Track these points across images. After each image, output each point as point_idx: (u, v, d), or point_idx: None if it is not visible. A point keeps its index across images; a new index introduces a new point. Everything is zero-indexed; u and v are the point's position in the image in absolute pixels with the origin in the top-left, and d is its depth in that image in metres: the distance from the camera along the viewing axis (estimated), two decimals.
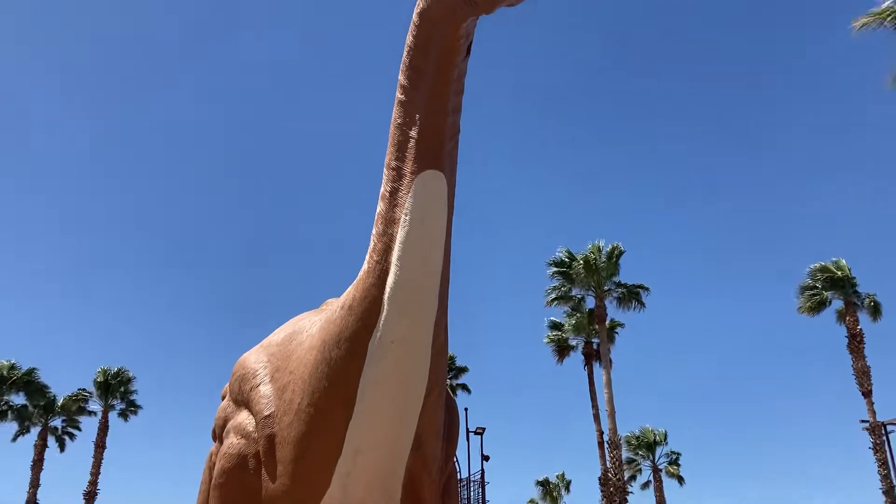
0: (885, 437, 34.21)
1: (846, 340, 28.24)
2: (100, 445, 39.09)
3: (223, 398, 23.04)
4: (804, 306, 29.54)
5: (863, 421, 28.64)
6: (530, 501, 34.84)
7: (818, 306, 29.29)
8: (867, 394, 27.47)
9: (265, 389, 19.38)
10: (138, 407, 40.82)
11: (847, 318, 28.45)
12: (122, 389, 40.26)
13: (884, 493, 26.49)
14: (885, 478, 26.85)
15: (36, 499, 37.11)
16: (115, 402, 40.25)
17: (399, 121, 14.47)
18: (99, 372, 40.20)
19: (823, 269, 29.30)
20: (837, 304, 29.10)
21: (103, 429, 39.46)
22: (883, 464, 27.10)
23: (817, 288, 29.34)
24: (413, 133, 14.82)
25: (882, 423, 31.27)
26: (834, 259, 29.58)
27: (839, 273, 28.91)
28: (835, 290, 29.02)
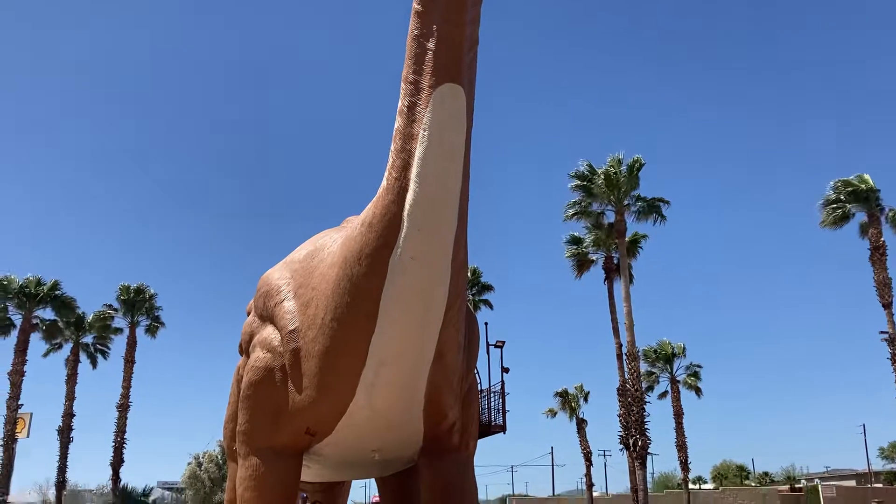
0: None
1: (868, 253, 28.09)
2: (129, 360, 40.34)
3: (248, 314, 23.56)
4: (826, 220, 29.28)
5: (882, 332, 28.77)
6: (549, 410, 35.67)
7: (841, 220, 29.02)
8: (887, 305, 27.50)
9: (289, 305, 19.86)
10: (162, 323, 41.84)
11: (870, 231, 28.18)
12: (146, 306, 41.14)
13: None
14: None
15: (72, 411, 38.61)
16: (140, 319, 41.24)
17: (416, 32, 14.26)
18: (121, 289, 41.03)
19: (847, 184, 28.91)
20: (860, 217, 28.82)
21: (131, 344, 40.64)
22: None
23: (840, 201, 28.97)
24: (430, 45, 14.60)
25: None
26: (857, 174, 29.16)
27: (862, 186, 28.48)
28: (858, 203, 28.70)
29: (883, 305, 27.66)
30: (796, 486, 75.56)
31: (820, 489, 56.84)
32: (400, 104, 15.82)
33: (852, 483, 77.44)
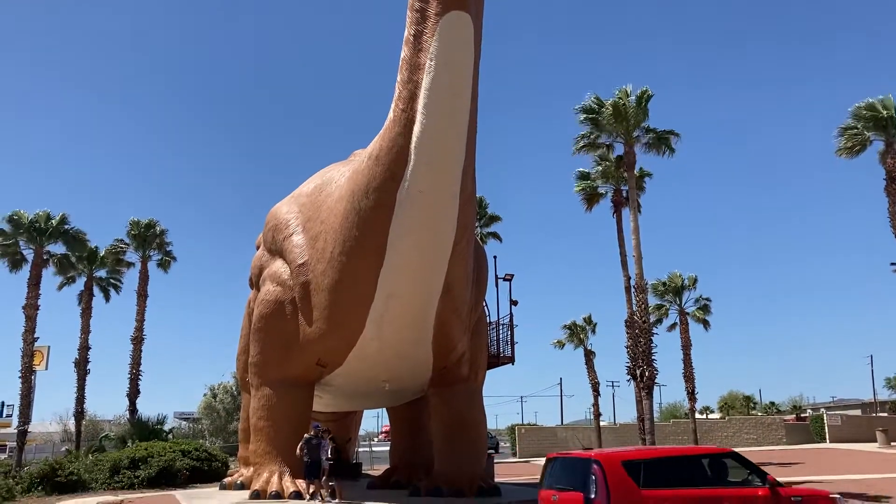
0: None
1: (884, 183, 27.68)
2: (142, 294, 40.66)
3: (258, 248, 23.56)
4: (843, 147, 28.54)
5: (893, 264, 28.63)
6: (557, 342, 36.02)
7: (858, 147, 28.33)
8: None
9: (298, 239, 19.85)
10: (174, 258, 42.03)
11: (887, 160, 27.63)
12: (157, 241, 41.29)
13: None
14: None
15: (88, 344, 39.23)
16: (151, 253, 41.44)
17: None
18: (131, 224, 41.10)
19: (869, 107, 27.89)
20: (878, 145, 28.19)
21: (143, 278, 40.87)
22: None
23: (858, 128, 28.27)
24: None
25: None
26: (881, 97, 28.16)
27: (884, 112, 27.68)
28: (877, 130, 27.94)
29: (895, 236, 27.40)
30: (802, 415, 76.66)
31: (825, 418, 57.60)
32: (406, 33, 15.54)
33: (858, 412, 78.56)
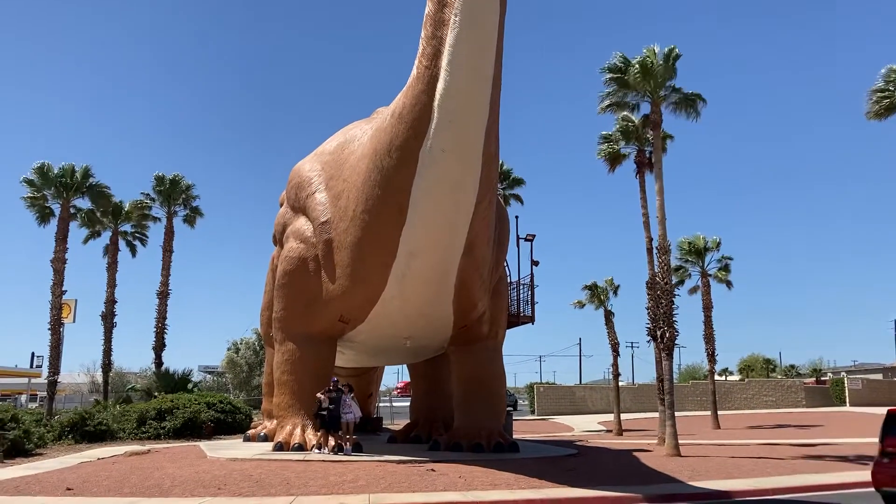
0: None
1: None
2: (167, 250, 41.11)
3: (281, 205, 23.74)
4: (872, 110, 27.97)
5: None
6: (577, 302, 36.02)
7: (888, 110, 27.74)
8: None
9: (321, 197, 19.93)
10: (201, 213, 42.34)
11: None
12: (182, 196, 41.60)
13: None
14: None
15: (114, 298, 39.87)
16: (177, 209, 41.79)
17: None
18: (156, 179, 41.35)
19: None
20: None
21: (169, 234, 41.29)
22: None
23: (889, 91, 27.66)
24: None
25: None
26: None
27: None
28: None
29: None
30: (822, 378, 76.50)
31: (846, 381, 57.55)
32: None
33: (879, 377, 78.34)
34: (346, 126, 21.20)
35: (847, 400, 54.77)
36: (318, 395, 17.78)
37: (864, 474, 16.60)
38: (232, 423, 27.23)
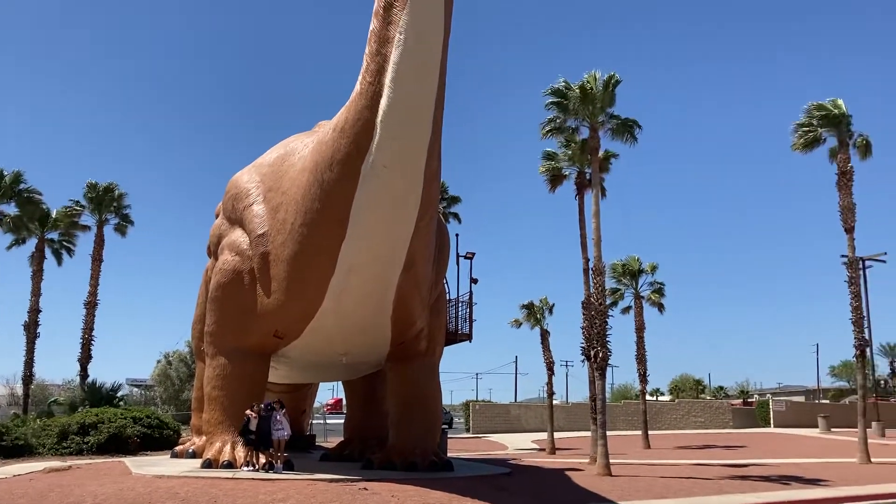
0: (861, 272, 35.42)
1: (835, 178, 28.44)
2: (96, 258, 39.86)
3: (217, 216, 23.30)
4: (798, 143, 29.40)
5: (843, 256, 29.41)
6: (514, 321, 36.33)
7: (812, 143, 29.13)
8: (850, 230, 27.96)
9: (258, 209, 19.64)
10: (132, 222, 41.25)
11: (839, 156, 28.44)
12: (114, 204, 40.47)
13: (854, 323, 27.72)
14: (857, 309, 27.98)
15: (38, 307, 38.40)
16: (108, 217, 40.61)
17: None
18: (88, 186, 40.18)
19: (820, 107, 28.93)
20: (831, 142, 29.00)
21: (99, 242, 40.06)
22: (856, 296, 28.14)
23: (812, 125, 29.08)
24: None
25: (861, 258, 32.21)
26: (831, 98, 29.18)
27: (835, 111, 28.56)
28: (829, 127, 28.80)
29: (845, 230, 28.13)
30: (748, 400, 78.70)
31: (771, 403, 59.29)
32: (376, 5, 15.34)
33: (802, 399, 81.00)
34: (286, 138, 21.00)
35: (772, 421, 56.41)
36: (247, 412, 17.42)
37: (787, 493, 17.18)
38: (159, 439, 26.42)
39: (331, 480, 15.89)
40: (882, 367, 75.15)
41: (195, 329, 23.78)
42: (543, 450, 33.97)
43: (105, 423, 24.90)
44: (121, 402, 34.73)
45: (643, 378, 40.24)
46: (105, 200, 40.46)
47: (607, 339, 22.90)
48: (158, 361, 58.38)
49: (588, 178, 26.22)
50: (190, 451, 19.98)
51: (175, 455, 20.51)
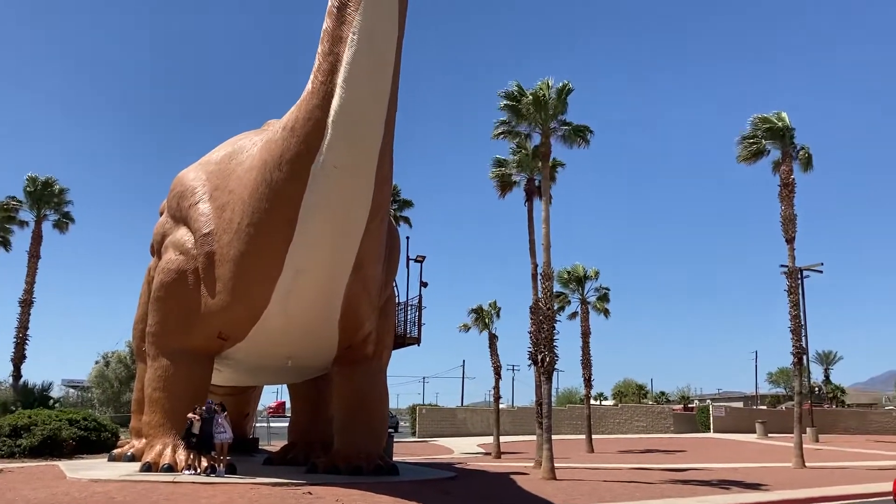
0: (800, 281, 36.44)
1: (778, 189, 29.21)
2: (34, 255, 38.63)
3: (161, 214, 22.80)
4: (742, 155, 30.14)
5: (782, 266, 30.19)
6: (463, 325, 36.39)
7: (756, 155, 29.91)
8: (790, 240, 28.74)
9: (204, 207, 19.28)
10: (72, 219, 40.11)
11: (782, 168, 29.25)
12: (54, 200, 39.32)
13: (792, 331, 28.45)
14: (795, 318, 28.73)
15: None
16: (47, 213, 39.44)
17: None
18: (28, 180, 38.98)
19: (764, 120, 29.74)
20: (775, 154, 29.80)
21: (37, 239, 38.85)
22: (794, 305, 28.91)
23: (757, 137, 29.85)
24: None
25: (799, 268, 33.16)
26: (775, 111, 30.00)
27: (779, 124, 29.38)
28: (773, 140, 29.60)
29: (786, 240, 28.91)
30: (689, 405, 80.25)
31: (711, 409, 60.55)
32: (329, 4, 15.18)
33: (740, 405, 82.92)
34: (234, 136, 20.64)
35: (711, 426, 57.59)
36: (190, 415, 17.03)
37: (726, 497, 17.52)
38: (97, 442, 25.65)
39: (274, 485, 15.64)
40: (816, 373, 77.60)
41: (136, 329, 23.19)
42: (489, 454, 34.05)
43: (39, 426, 24.09)
44: (56, 404, 33.70)
45: (588, 383, 40.67)
46: (45, 196, 39.28)
47: (555, 343, 23.08)
48: (97, 362, 56.65)
49: (537, 184, 26.41)
50: (129, 454, 19.45)
51: (113, 458, 19.94)
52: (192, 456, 16.87)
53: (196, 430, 16.82)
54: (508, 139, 25.80)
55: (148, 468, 16.73)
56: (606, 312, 41.42)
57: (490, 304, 35.19)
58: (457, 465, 26.05)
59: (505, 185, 27.88)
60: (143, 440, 18.99)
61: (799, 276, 35.78)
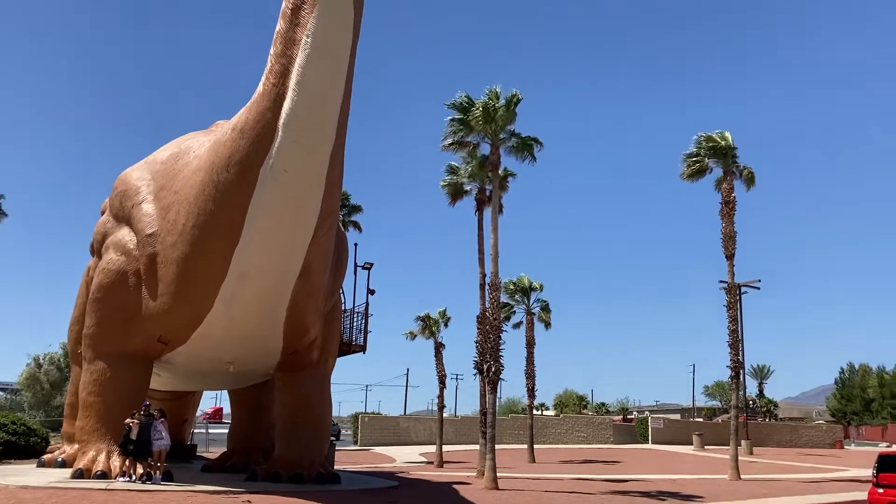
0: (738, 297, 37.38)
1: (719, 207, 29.92)
2: None
3: (103, 213, 22.19)
4: (686, 172, 30.81)
5: (722, 282, 30.93)
6: (409, 333, 36.27)
7: (699, 172, 30.61)
8: (730, 257, 29.46)
9: (148, 208, 18.84)
10: (4, 213, 38.77)
11: (723, 186, 29.98)
12: None
13: (730, 346, 29.14)
14: (733, 332, 29.45)
15: None
16: None
17: None
18: None
19: (708, 139, 30.45)
20: (717, 172, 30.53)
21: None
22: (733, 320, 29.64)
23: (700, 155, 30.55)
24: None
25: (738, 284, 34.02)
26: (719, 131, 30.76)
27: (722, 143, 30.11)
28: (716, 158, 30.31)
29: (726, 257, 29.63)
30: (628, 416, 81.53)
31: (649, 420, 61.62)
32: (283, 6, 15.03)
33: (678, 417, 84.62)
34: (181, 136, 20.22)
35: (650, 438, 58.56)
36: (127, 421, 16.53)
37: None
38: (26, 447, 24.76)
39: (212, 492, 15.31)
40: (751, 387, 79.64)
41: (72, 331, 22.48)
42: (432, 463, 33.96)
43: None
44: None
45: (531, 393, 40.96)
46: None
47: (500, 353, 23.18)
48: (28, 364, 54.82)
49: (488, 194, 26.55)
50: (59, 459, 18.80)
51: (42, 464, 19.25)
52: (126, 462, 16.40)
53: (134, 435, 16.36)
54: (458, 150, 25.88)
55: (80, 475, 16.18)
56: (548, 324, 41.84)
57: (439, 313, 35.17)
58: (399, 475, 25.91)
59: (456, 193, 27.95)
60: (76, 445, 18.38)
61: (738, 291, 36.69)
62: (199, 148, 17.38)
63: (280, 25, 13.96)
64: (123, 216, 18.70)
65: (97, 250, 20.26)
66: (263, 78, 14.33)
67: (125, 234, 18.29)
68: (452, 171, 27.81)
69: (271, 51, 14.17)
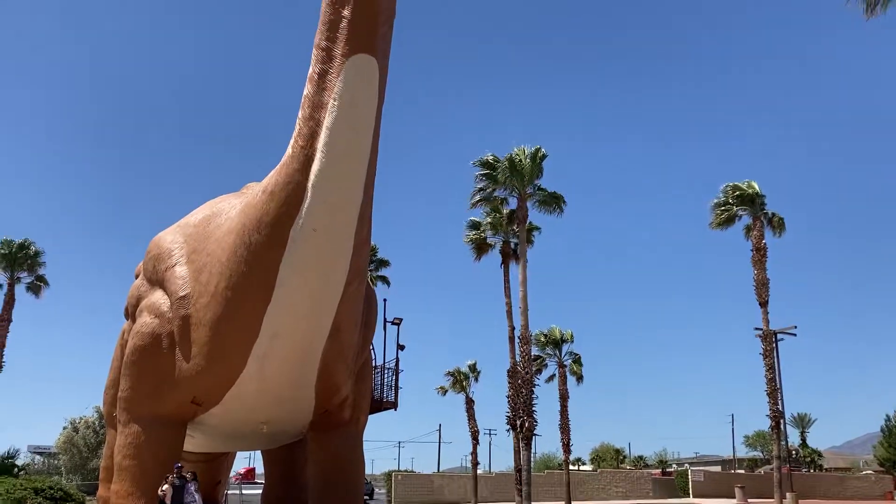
0: (774, 345, 36.72)
1: (750, 254, 29.68)
2: (5, 319, 37.95)
3: (137, 276, 22.56)
4: (715, 221, 30.78)
5: (756, 329, 30.45)
6: (440, 388, 36.09)
7: (728, 221, 30.57)
8: (764, 304, 29.14)
9: (181, 270, 19.13)
10: (46, 282, 39.55)
11: (753, 233, 29.80)
12: (28, 262, 38.83)
13: (768, 394, 28.56)
14: (771, 381, 28.90)
15: None
16: (21, 275, 38.88)
17: None
18: (2, 243, 38.54)
19: (735, 188, 30.54)
20: (746, 220, 30.40)
21: (9, 302, 38.21)
22: (770, 368, 29.11)
23: (729, 204, 30.49)
24: (346, 12, 14.30)
25: (773, 331, 33.43)
26: (746, 180, 30.75)
27: (749, 191, 30.09)
28: (744, 206, 30.26)
29: (760, 304, 29.31)
30: (667, 469, 79.54)
31: (689, 473, 60.04)
32: (311, 71, 15.48)
33: (718, 468, 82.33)
34: (212, 199, 20.65)
35: (691, 491, 57.01)
36: (162, 487, 16.53)
37: None
38: None
39: None
40: (792, 436, 77.48)
41: (108, 394, 22.68)
42: None
43: (2, 495, 23.30)
44: (21, 472, 32.61)
45: (567, 448, 40.27)
46: (18, 258, 38.81)
47: (533, 408, 22.94)
48: (65, 428, 55.26)
49: (513, 247, 26.65)
50: None
51: None
52: None
53: (168, 501, 16.35)
54: (485, 205, 26.16)
55: None
56: (580, 377, 41.36)
57: (469, 366, 35.01)
58: None
59: (481, 248, 28.11)
60: None
61: (773, 338, 36.08)
62: (230, 210, 17.71)
63: (307, 89, 14.35)
64: (157, 279, 19.01)
65: (131, 314, 20.56)
66: (292, 141, 14.68)
67: (159, 297, 18.57)
68: (474, 226, 28.06)
69: (299, 114, 14.55)
